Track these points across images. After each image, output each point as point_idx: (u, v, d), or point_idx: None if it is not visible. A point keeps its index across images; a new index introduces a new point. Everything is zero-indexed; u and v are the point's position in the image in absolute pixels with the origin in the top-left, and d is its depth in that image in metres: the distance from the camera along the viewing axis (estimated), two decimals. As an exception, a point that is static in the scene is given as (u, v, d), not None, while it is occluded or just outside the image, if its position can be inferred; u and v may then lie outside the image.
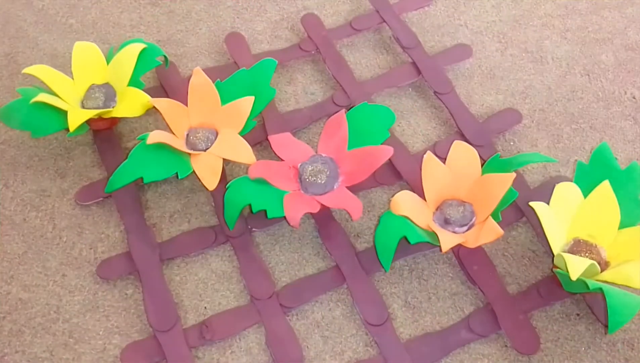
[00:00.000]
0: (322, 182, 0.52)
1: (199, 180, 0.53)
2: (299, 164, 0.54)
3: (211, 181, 0.52)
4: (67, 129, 0.55)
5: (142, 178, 0.53)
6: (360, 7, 0.70)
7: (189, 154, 0.54)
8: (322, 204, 0.52)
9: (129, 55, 0.58)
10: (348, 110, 0.55)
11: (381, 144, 0.54)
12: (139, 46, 0.58)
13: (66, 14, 0.69)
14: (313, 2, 0.70)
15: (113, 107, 0.57)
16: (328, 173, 0.53)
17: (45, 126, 0.56)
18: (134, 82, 0.58)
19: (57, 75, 0.57)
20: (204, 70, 0.56)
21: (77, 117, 0.55)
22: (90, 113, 0.55)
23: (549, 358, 0.48)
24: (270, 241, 0.54)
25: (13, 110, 0.55)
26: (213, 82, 0.56)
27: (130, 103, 0.57)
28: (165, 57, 0.60)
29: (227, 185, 0.52)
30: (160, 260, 0.52)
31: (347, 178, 0.53)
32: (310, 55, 0.66)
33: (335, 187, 0.53)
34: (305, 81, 0.64)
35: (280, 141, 0.55)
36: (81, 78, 0.58)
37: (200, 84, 0.55)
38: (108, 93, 0.58)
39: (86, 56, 0.59)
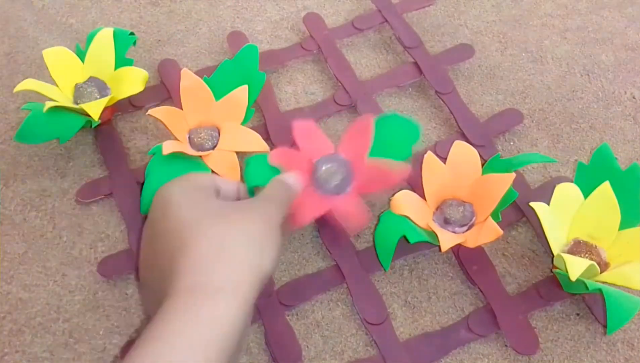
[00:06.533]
0: (335, 184, 0.50)
1: None
2: (315, 160, 0.51)
3: (233, 176, 0.52)
4: (90, 125, 0.56)
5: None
6: (361, 7, 0.70)
7: (200, 156, 0.54)
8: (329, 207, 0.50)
9: (104, 43, 0.58)
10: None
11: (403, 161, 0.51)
12: (109, 31, 0.58)
13: (66, 13, 0.69)
14: (313, 2, 0.70)
15: (110, 94, 0.57)
16: (342, 176, 0.50)
17: (68, 128, 0.55)
18: (121, 63, 0.58)
19: (45, 85, 0.57)
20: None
21: (96, 107, 0.55)
22: (104, 101, 0.55)
23: (548, 358, 0.48)
24: (270, 241, 0.54)
25: (30, 127, 0.55)
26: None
27: (128, 82, 0.57)
28: (131, 33, 0.60)
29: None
30: (161, 260, 0.52)
31: (359, 186, 0.51)
32: (311, 54, 0.66)
33: (347, 191, 0.50)
34: (306, 80, 0.64)
35: (302, 128, 0.52)
36: (64, 82, 0.58)
37: (191, 84, 0.55)
38: (98, 85, 0.58)
39: (59, 60, 0.58)
